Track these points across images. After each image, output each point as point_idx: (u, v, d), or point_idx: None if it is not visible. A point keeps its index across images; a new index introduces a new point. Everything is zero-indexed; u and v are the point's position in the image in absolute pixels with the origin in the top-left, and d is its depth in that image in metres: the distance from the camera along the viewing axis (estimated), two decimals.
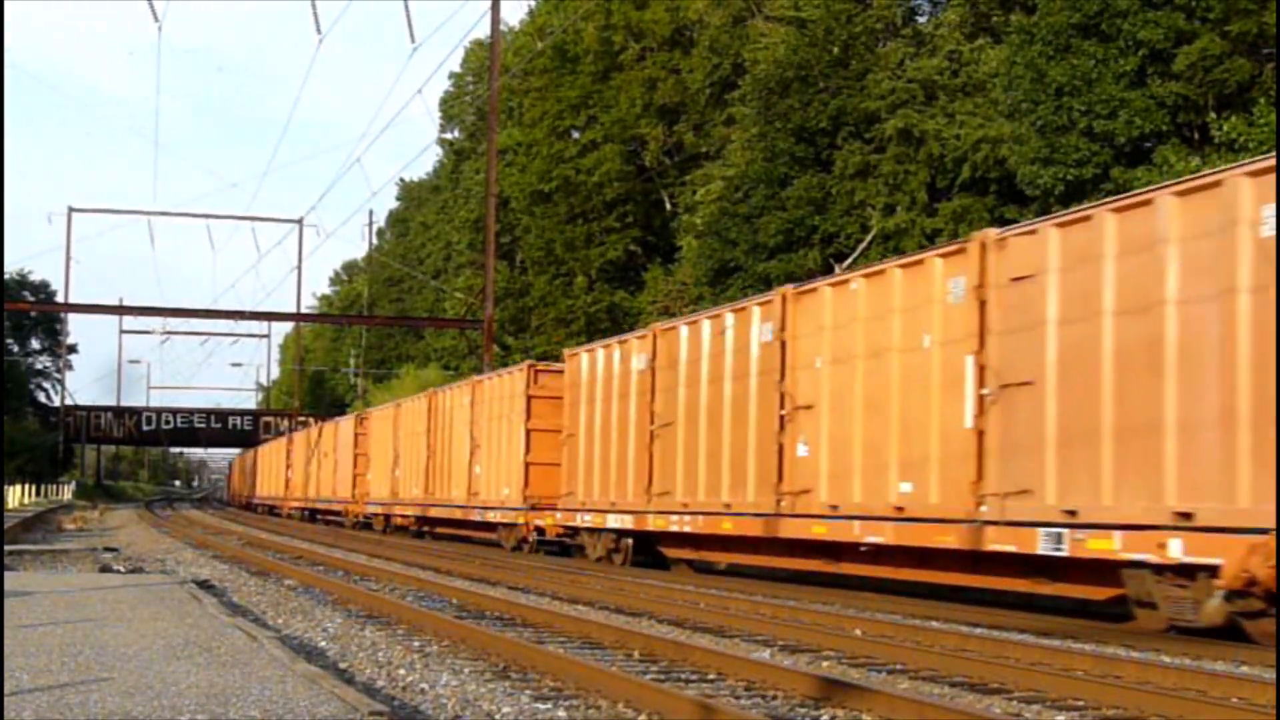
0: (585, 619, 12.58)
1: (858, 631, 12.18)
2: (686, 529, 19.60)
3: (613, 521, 21.80)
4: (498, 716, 7.70)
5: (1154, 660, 10.23)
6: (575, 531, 23.85)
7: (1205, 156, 23.11)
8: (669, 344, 20.45)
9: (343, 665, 9.72)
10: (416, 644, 10.89)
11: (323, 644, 10.93)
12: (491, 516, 27.87)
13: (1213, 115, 23.84)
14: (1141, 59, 24.24)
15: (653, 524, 20.52)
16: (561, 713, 7.81)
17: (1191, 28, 23.95)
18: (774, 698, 8.48)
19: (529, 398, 25.96)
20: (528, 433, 25.89)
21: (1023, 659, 10.28)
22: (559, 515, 24.17)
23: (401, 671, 9.30)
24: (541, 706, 7.96)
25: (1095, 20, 24.49)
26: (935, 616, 13.63)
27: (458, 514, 30.42)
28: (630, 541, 21.88)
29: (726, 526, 18.43)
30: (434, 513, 32.66)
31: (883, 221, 31.61)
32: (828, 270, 29.75)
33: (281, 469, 59.49)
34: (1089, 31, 24.65)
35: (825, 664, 10.20)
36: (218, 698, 7.25)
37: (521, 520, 25.91)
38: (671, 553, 21.35)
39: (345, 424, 45.63)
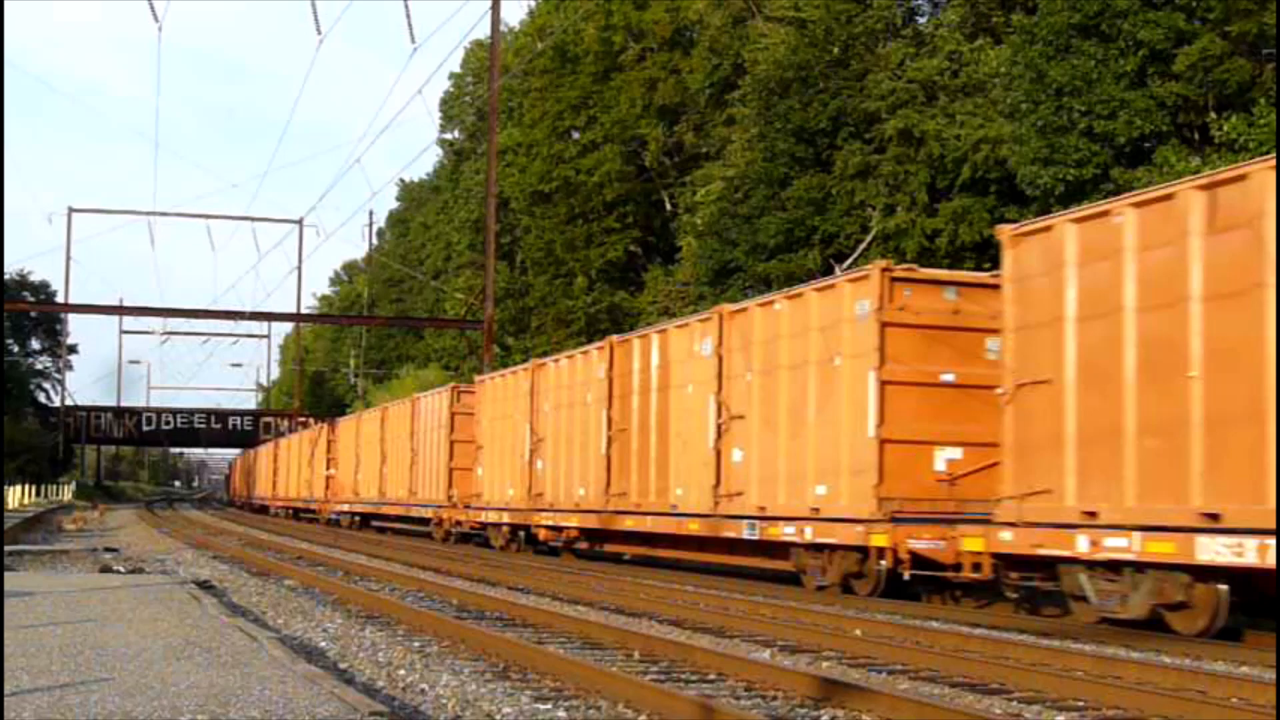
0: (585, 619, 12.60)
1: (858, 631, 12.18)
2: None
3: None
4: (498, 717, 7.71)
5: (1154, 660, 10.23)
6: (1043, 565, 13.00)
7: (1205, 157, 23.11)
8: None
9: (343, 666, 9.73)
10: (417, 644, 10.89)
11: (323, 644, 10.93)
12: (833, 536, 15.87)
13: (1213, 115, 23.84)
14: (1141, 59, 24.24)
15: None
16: (561, 713, 7.81)
17: (1191, 28, 23.95)
18: (774, 698, 8.48)
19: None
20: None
21: (1023, 659, 10.28)
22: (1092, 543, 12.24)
23: (402, 672, 9.31)
24: (541, 707, 7.96)
25: (1095, 20, 24.48)
26: (935, 616, 13.63)
27: (734, 530, 17.98)
28: None
29: None
30: (655, 526, 20.43)
31: (883, 222, 31.60)
32: (828, 272, 29.76)
33: (312, 464, 49.96)
34: (1089, 32, 24.64)
35: (825, 664, 10.20)
36: (218, 698, 7.25)
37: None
38: None
39: (431, 402, 34.37)
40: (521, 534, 26.52)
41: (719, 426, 18.54)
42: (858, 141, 32.45)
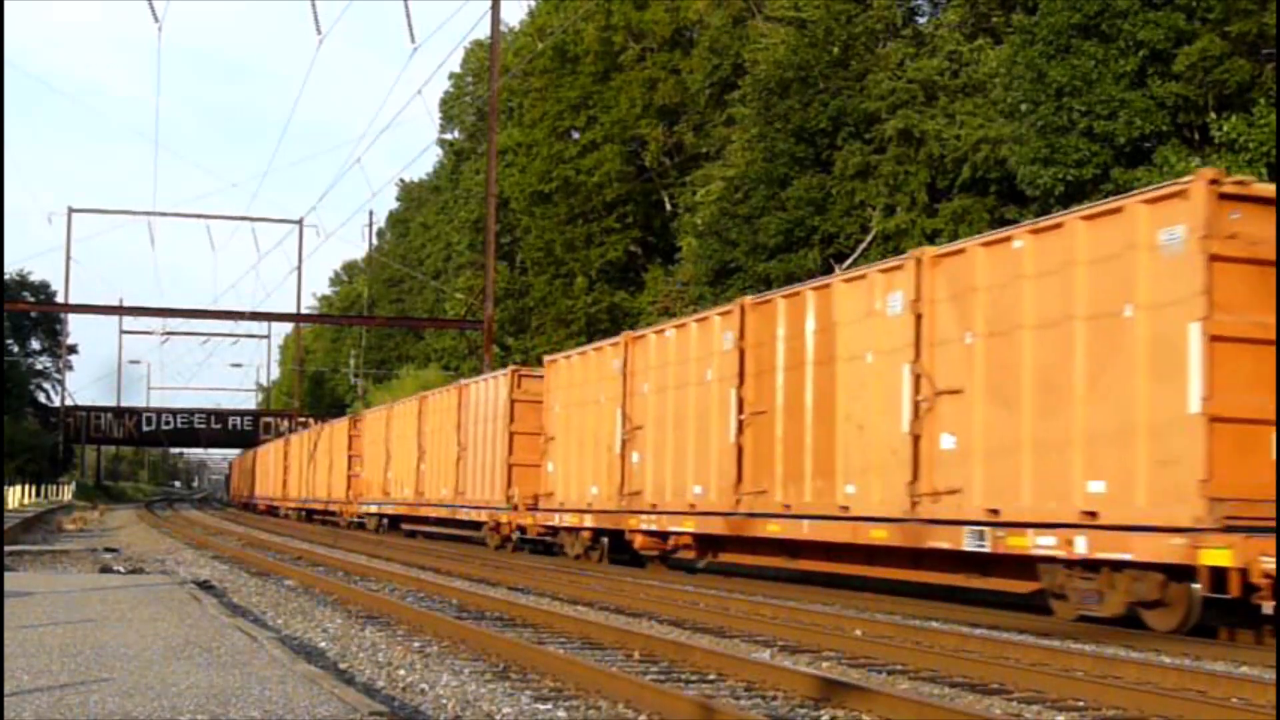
0: (585, 619, 12.59)
1: (858, 631, 12.18)
2: None
3: None
4: (498, 717, 7.71)
5: (1154, 660, 10.23)
6: None
7: (1205, 157, 23.10)
8: None
9: (343, 666, 9.72)
10: (416, 644, 10.89)
11: (323, 644, 10.93)
12: (1128, 549, 11.93)
13: (1213, 115, 23.83)
14: (1141, 59, 24.23)
15: None
16: (561, 713, 7.81)
17: (1191, 28, 23.94)
18: (774, 698, 8.48)
19: None
20: None
21: (1023, 659, 10.28)
22: None
23: (401, 672, 9.31)
24: (541, 707, 7.96)
25: (1095, 20, 24.48)
26: (935, 616, 13.63)
27: (947, 539, 13.96)
28: None
29: None
30: (815, 533, 16.27)
31: (883, 222, 31.61)
32: (827, 271, 29.77)
33: (331, 462, 44.38)
34: (1089, 32, 24.64)
35: (825, 664, 10.20)
36: (218, 698, 7.25)
37: None
38: None
39: (485, 389, 29.38)
40: (605, 540, 22.51)
41: (917, 405, 14.43)
42: (858, 141, 32.45)
